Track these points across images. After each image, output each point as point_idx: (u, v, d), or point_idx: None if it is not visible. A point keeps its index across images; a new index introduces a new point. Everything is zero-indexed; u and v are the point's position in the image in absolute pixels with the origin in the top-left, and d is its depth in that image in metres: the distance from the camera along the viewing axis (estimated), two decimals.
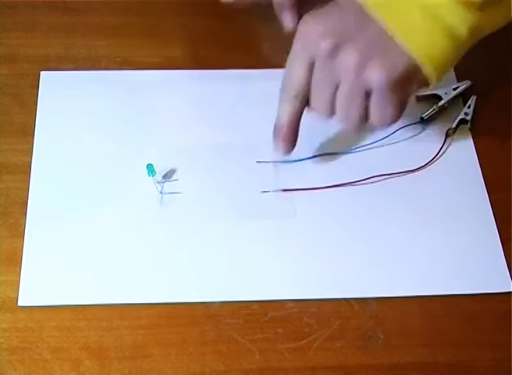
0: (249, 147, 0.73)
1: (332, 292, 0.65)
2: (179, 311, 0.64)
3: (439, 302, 0.65)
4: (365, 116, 0.61)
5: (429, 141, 0.75)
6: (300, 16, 0.64)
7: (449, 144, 0.75)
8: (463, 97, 0.78)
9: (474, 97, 0.78)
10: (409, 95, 0.61)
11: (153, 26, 0.82)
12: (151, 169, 0.68)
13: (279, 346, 0.62)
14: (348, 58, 0.58)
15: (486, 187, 0.72)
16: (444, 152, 0.74)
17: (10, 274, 0.65)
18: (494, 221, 0.70)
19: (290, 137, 0.66)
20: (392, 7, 0.58)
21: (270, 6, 0.71)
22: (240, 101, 0.77)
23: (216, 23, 0.83)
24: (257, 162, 0.72)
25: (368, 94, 0.60)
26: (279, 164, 0.72)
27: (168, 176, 0.71)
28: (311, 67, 0.61)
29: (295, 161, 0.72)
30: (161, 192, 0.70)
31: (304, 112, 0.65)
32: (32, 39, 0.81)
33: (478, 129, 0.76)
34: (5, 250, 0.66)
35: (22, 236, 0.67)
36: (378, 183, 0.71)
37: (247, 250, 0.67)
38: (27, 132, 0.73)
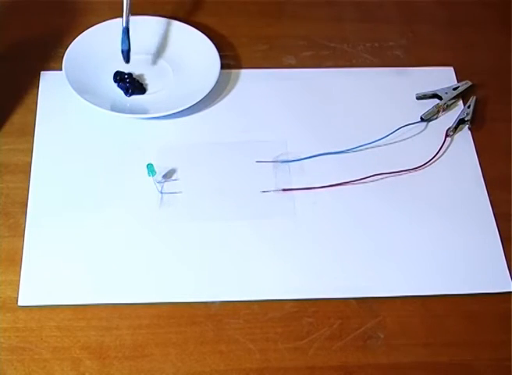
0: (249, 147, 0.73)
1: (332, 292, 0.65)
2: (179, 311, 0.64)
3: (439, 302, 0.65)
4: None
5: (429, 140, 0.75)
6: None
7: (449, 144, 0.75)
8: (463, 97, 0.79)
9: (474, 97, 0.78)
10: None
11: None
12: (151, 169, 0.68)
13: (279, 346, 0.62)
14: None
15: (486, 186, 0.72)
16: (444, 152, 0.74)
17: (10, 274, 0.65)
18: (494, 220, 0.70)
19: None
20: None
21: None
22: (240, 101, 0.77)
23: None
24: (257, 162, 0.72)
25: None
26: (279, 164, 0.72)
27: (168, 176, 0.71)
28: None
29: (295, 161, 0.72)
30: (161, 192, 0.70)
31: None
32: (32, 39, 0.81)
33: (477, 129, 0.76)
34: (5, 250, 0.66)
35: (22, 236, 0.67)
36: (378, 182, 0.71)
37: (247, 250, 0.67)
38: (27, 132, 0.73)
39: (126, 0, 0.76)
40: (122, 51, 0.77)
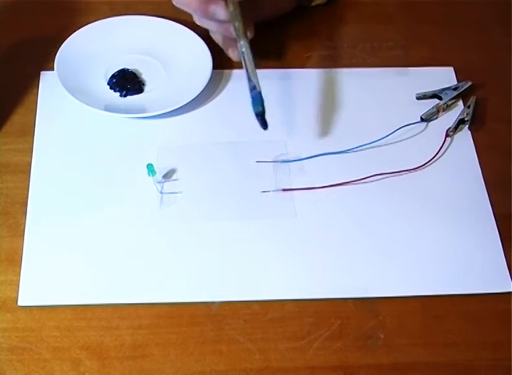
0: (249, 147, 0.73)
1: (332, 292, 0.65)
2: (179, 311, 0.64)
3: (439, 302, 0.65)
4: None
5: (429, 140, 0.75)
6: None
7: (449, 144, 0.75)
8: (463, 97, 0.79)
9: (474, 97, 0.78)
10: None
11: None
12: (151, 168, 0.68)
13: (279, 346, 0.62)
14: None
15: (486, 187, 0.72)
16: (444, 152, 0.74)
17: (10, 274, 0.65)
18: (494, 221, 0.70)
19: None
20: None
21: None
22: (240, 100, 0.77)
23: None
24: (257, 162, 0.72)
25: None
26: (279, 164, 0.72)
27: (168, 176, 0.71)
28: None
29: (295, 161, 0.72)
30: (161, 192, 0.70)
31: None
32: (32, 39, 0.81)
33: (477, 129, 0.76)
34: (5, 250, 0.66)
35: (22, 236, 0.67)
36: (378, 182, 0.71)
37: (247, 250, 0.67)
38: (27, 132, 0.73)
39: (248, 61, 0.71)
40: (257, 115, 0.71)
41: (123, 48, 0.80)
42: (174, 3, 0.76)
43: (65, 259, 0.66)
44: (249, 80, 0.71)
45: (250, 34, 0.75)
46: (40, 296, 0.64)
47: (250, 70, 0.71)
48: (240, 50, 0.72)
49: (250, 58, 0.71)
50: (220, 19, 0.74)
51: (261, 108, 0.70)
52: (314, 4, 0.85)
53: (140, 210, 0.69)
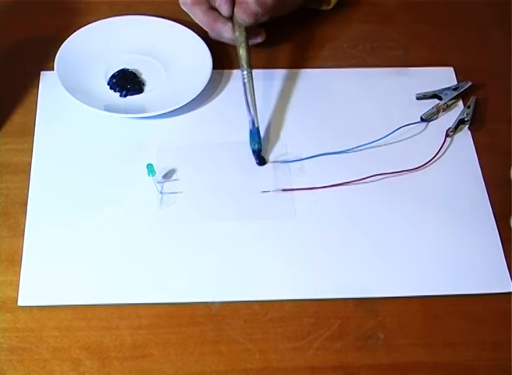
0: (249, 147, 0.73)
1: (332, 292, 0.65)
2: (179, 311, 0.64)
3: (439, 302, 0.65)
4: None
5: (429, 140, 0.75)
6: None
7: (449, 144, 0.75)
8: (463, 97, 0.79)
9: (474, 97, 0.78)
10: None
11: None
12: (151, 168, 0.68)
13: (279, 346, 0.62)
14: None
15: (486, 187, 0.72)
16: (444, 152, 0.74)
17: (10, 274, 0.65)
18: (494, 221, 0.70)
19: None
20: None
21: None
22: (240, 100, 0.77)
23: None
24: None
25: None
26: (279, 164, 0.72)
27: (168, 176, 0.71)
28: None
29: (295, 161, 0.72)
30: (161, 192, 0.70)
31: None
32: (32, 39, 0.81)
33: (477, 129, 0.76)
34: (5, 250, 0.66)
35: (22, 236, 0.67)
36: (378, 182, 0.71)
37: (247, 250, 0.67)
38: (27, 132, 0.73)
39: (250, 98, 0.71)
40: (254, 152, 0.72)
41: (123, 48, 0.80)
42: (181, 5, 0.76)
43: (65, 259, 0.66)
44: (249, 111, 0.71)
45: (261, 39, 0.76)
46: (40, 296, 0.64)
47: (250, 102, 0.71)
48: (242, 79, 0.72)
49: (252, 90, 0.72)
50: (226, 38, 0.74)
51: (257, 146, 0.71)
52: (323, 8, 0.84)
53: (140, 210, 0.69)
